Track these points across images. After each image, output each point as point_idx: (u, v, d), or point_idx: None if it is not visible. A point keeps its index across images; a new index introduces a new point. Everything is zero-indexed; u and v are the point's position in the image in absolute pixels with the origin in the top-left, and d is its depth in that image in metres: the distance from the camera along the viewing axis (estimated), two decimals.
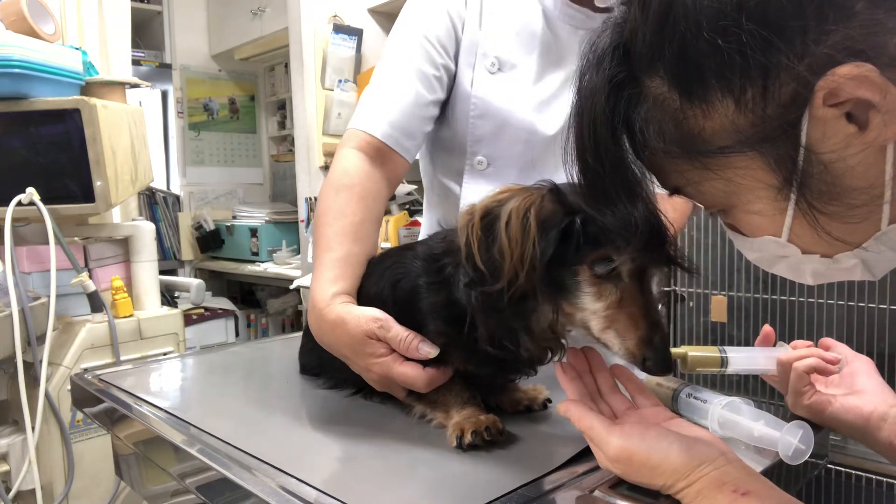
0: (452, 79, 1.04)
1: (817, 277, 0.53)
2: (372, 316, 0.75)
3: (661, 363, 0.60)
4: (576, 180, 0.55)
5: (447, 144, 1.09)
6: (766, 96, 0.43)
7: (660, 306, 0.64)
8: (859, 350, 0.78)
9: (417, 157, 1.08)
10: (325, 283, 0.82)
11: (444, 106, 1.06)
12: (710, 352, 0.74)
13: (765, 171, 0.46)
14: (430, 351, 0.72)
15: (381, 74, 1.03)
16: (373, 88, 1.02)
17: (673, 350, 0.75)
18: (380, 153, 0.97)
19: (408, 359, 0.73)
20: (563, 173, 1.18)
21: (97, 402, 0.93)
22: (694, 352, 0.74)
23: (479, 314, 0.66)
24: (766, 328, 0.79)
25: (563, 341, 0.70)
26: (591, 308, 0.62)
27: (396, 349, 0.74)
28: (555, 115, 1.04)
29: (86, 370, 1.03)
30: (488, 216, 0.65)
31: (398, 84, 1.00)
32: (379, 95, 1.00)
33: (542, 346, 0.69)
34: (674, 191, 0.52)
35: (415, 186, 2.74)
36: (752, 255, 0.55)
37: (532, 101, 1.03)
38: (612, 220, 0.54)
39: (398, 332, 0.73)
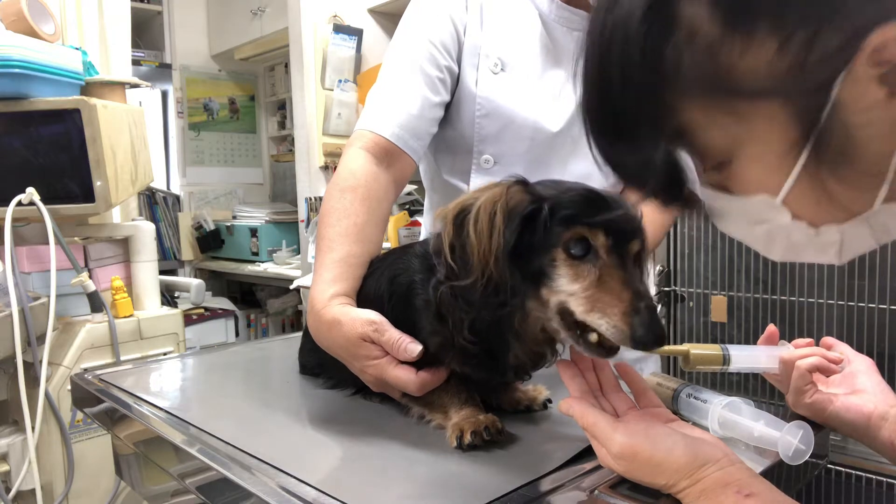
0: (456, 81, 1.05)
1: (787, 253, 0.51)
2: (367, 318, 0.75)
3: (650, 332, 0.56)
4: (590, 128, 0.51)
5: (453, 145, 1.09)
6: (813, 42, 0.40)
7: (659, 309, 0.64)
8: (859, 350, 0.78)
9: None
10: (324, 283, 0.82)
11: (449, 107, 1.06)
12: (712, 349, 0.74)
13: (784, 123, 0.44)
14: (415, 348, 0.72)
15: (388, 76, 1.03)
16: (379, 90, 1.02)
17: (675, 347, 0.75)
18: (388, 154, 0.97)
19: (402, 361, 0.73)
20: (568, 169, 1.17)
21: (97, 402, 0.93)
22: (696, 349, 0.74)
23: (444, 304, 0.66)
24: (771, 327, 0.78)
25: (558, 346, 0.70)
26: (570, 290, 0.60)
27: (390, 352, 0.73)
28: (558, 112, 1.04)
29: (86, 370, 1.03)
30: (461, 214, 0.65)
31: (405, 86, 1.00)
32: (386, 97, 1.01)
33: (533, 350, 0.69)
34: (674, 134, 0.48)
35: (415, 186, 2.74)
36: (729, 227, 0.54)
37: (535, 100, 1.04)
38: (630, 159, 0.50)
39: (392, 335, 0.73)
